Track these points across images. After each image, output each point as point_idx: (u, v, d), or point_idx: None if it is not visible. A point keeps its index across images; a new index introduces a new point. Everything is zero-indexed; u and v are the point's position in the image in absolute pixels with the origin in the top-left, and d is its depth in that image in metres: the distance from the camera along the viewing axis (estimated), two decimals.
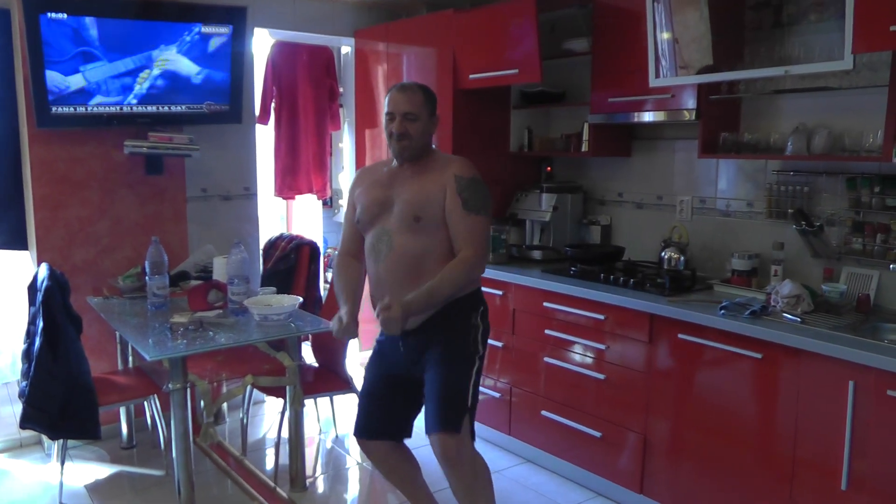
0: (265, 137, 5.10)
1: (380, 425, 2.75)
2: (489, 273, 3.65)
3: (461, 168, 2.59)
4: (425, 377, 2.62)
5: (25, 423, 3.07)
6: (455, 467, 2.53)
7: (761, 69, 2.91)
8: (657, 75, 3.22)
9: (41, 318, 3.04)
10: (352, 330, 2.62)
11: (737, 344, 2.77)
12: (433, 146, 2.72)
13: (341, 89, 5.25)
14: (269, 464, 3.82)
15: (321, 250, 4.69)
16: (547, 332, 3.52)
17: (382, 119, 2.65)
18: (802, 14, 2.77)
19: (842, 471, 2.48)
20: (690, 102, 3.25)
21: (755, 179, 3.38)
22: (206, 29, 3.84)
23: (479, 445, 2.75)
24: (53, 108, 3.56)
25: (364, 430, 2.76)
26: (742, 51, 2.99)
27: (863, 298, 2.89)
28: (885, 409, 2.37)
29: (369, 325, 4.69)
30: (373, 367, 2.79)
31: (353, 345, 3.94)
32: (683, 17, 3.13)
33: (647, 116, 3.48)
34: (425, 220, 2.54)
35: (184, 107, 3.90)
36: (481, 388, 3.62)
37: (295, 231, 5.74)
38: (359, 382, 3.93)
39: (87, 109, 3.65)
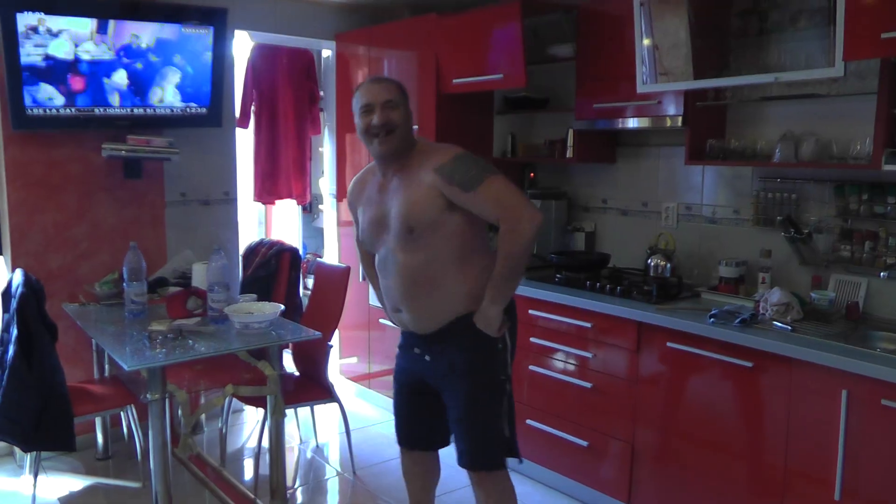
0: (245, 141, 5.03)
1: (420, 435, 2.68)
2: None
3: (439, 157, 2.36)
4: (450, 408, 2.49)
5: None
6: (491, 494, 2.49)
7: (750, 76, 2.90)
8: (644, 81, 3.20)
9: (15, 326, 2.95)
10: None
11: (727, 352, 2.75)
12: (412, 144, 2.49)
13: (322, 93, 5.19)
14: (249, 474, 3.75)
15: (301, 256, 4.63)
16: (532, 339, 3.48)
17: (356, 122, 2.42)
18: (788, 21, 2.76)
19: (835, 481, 2.46)
20: (676, 109, 3.24)
21: (741, 186, 3.37)
22: (186, 30, 3.77)
23: None
24: (29, 110, 3.47)
25: (405, 441, 2.71)
26: (728, 57, 2.98)
27: (852, 306, 2.89)
28: (879, 419, 2.36)
29: (352, 331, 4.66)
30: (399, 373, 2.67)
31: (334, 353, 3.88)
32: (663, 24, 3.12)
33: (633, 123, 3.45)
34: (419, 230, 2.34)
35: (163, 109, 3.82)
36: None
37: (274, 237, 5.66)
38: (340, 390, 3.88)
39: (63, 111, 3.56)
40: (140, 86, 3.73)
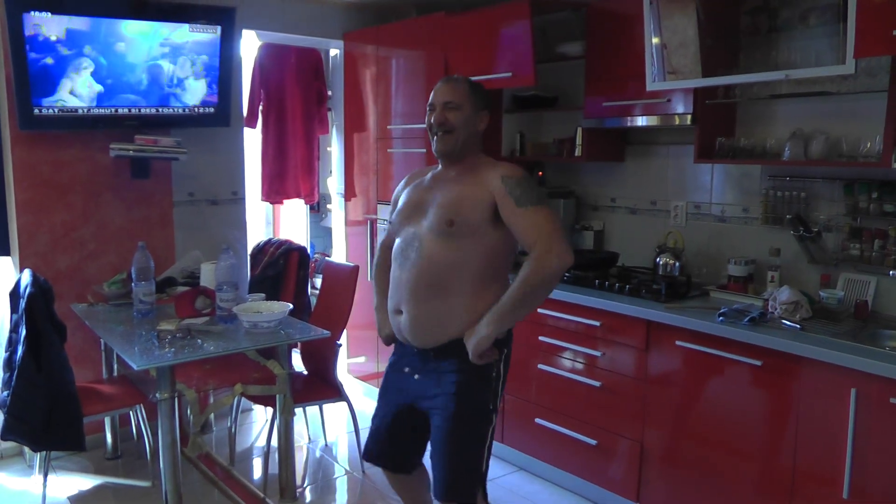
0: (252, 141, 5.04)
1: (392, 458, 2.62)
2: None
3: (508, 170, 2.33)
4: (433, 428, 2.40)
5: (7, 434, 2.99)
6: None
7: (759, 73, 2.88)
8: (653, 79, 3.19)
9: (24, 326, 2.96)
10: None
11: (736, 351, 2.74)
12: (481, 151, 2.49)
13: (330, 92, 5.19)
14: (258, 473, 3.76)
15: (310, 255, 4.63)
16: (541, 338, 3.48)
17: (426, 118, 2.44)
18: (798, 19, 2.75)
19: (843, 479, 2.45)
20: (685, 107, 3.23)
21: (750, 185, 3.35)
22: (194, 30, 3.78)
23: None
24: (37, 110, 3.48)
25: (373, 458, 2.64)
26: (738, 55, 2.96)
27: (861, 305, 2.87)
28: (887, 417, 2.35)
29: (360, 331, 4.66)
30: (384, 392, 2.61)
31: (342, 352, 3.88)
32: (672, 22, 3.11)
33: (641, 121, 3.44)
34: (459, 226, 2.29)
35: (171, 109, 3.83)
36: None
37: (282, 236, 5.67)
38: (349, 389, 3.88)
39: (71, 111, 3.57)
40: (148, 85, 3.73)
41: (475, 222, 2.30)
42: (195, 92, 3.87)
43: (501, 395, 2.44)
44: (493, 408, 2.40)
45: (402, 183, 2.62)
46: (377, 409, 2.63)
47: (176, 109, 3.85)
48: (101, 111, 3.63)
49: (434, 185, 2.45)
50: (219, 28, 3.85)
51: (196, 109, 3.91)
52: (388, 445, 2.59)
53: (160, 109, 3.80)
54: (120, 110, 3.69)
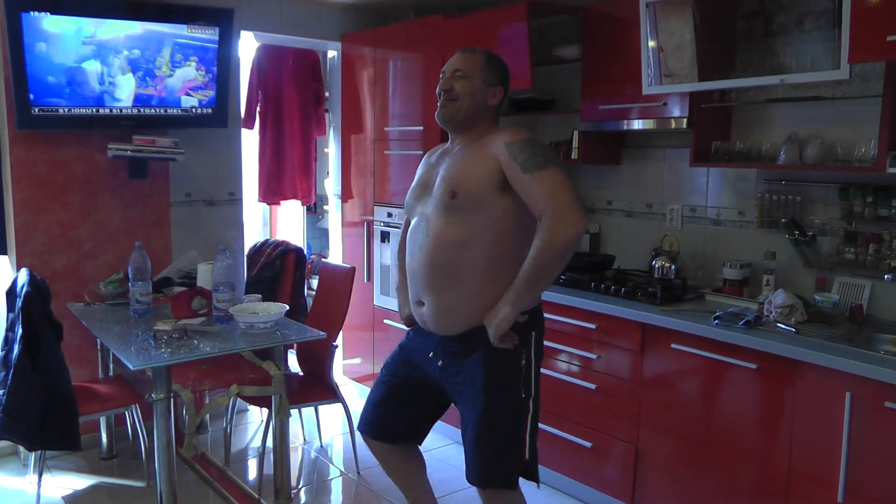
0: (250, 142, 5.04)
1: (391, 428, 2.56)
2: None
3: (510, 135, 2.24)
4: (464, 420, 2.35)
5: (2, 433, 2.98)
6: None
7: (755, 78, 2.90)
8: (650, 83, 3.20)
9: (20, 325, 2.95)
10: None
11: (731, 354, 2.75)
12: (495, 125, 2.42)
13: (327, 94, 5.20)
14: (253, 474, 3.76)
15: (306, 256, 4.64)
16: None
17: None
18: (794, 23, 2.76)
19: (838, 483, 2.46)
20: (681, 111, 3.24)
21: (746, 188, 3.36)
22: (192, 30, 3.78)
23: None
24: (35, 109, 3.48)
25: (370, 428, 2.58)
26: (734, 59, 2.97)
27: (856, 309, 2.88)
28: (882, 421, 2.36)
29: (356, 332, 4.66)
30: (395, 365, 2.56)
31: (338, 353, 3.88)
32: (668, 25, 3.12)
33: (638, 124, 3.45)
34: (462, 198, 2.21)
35: (169, 109, 3.83)
36: None
37: (279, 237, 5.67)
38: (344, 391, 3.88)
39: (69, 111, 3.57)
40: (145, 86, 3.74)
41: (479, 192, 2.22)
42: (192, 93, 3.87)
43: (537, 379, 2.36)
44: (526, 395, 2.31)
45: (423, 162, 2.56)
46: (381, 384, 2.59)
47: (173, 110, 3.85)
48: (99, 111, 3.64)
49: (440, 160, 2.41)
50: (217, 29, 3.85)
51: (194, 110, 3.92)
52: (393, 417, 2.53)
53: (157, 110, 3.80)
54: (117, 111, 3.69)
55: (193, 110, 3.92)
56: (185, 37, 3.77)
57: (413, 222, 2.41)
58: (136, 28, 3.63)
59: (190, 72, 3.84)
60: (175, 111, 3.86)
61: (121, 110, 3.70)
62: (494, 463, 2.30)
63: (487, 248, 2.25)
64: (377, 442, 2.62)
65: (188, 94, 3.87)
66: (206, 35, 3.83)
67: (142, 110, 3.76)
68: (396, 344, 2.66)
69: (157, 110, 3.80)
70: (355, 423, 3.71)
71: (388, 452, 2.64)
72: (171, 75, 3.79)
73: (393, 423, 2.57)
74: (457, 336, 2.34)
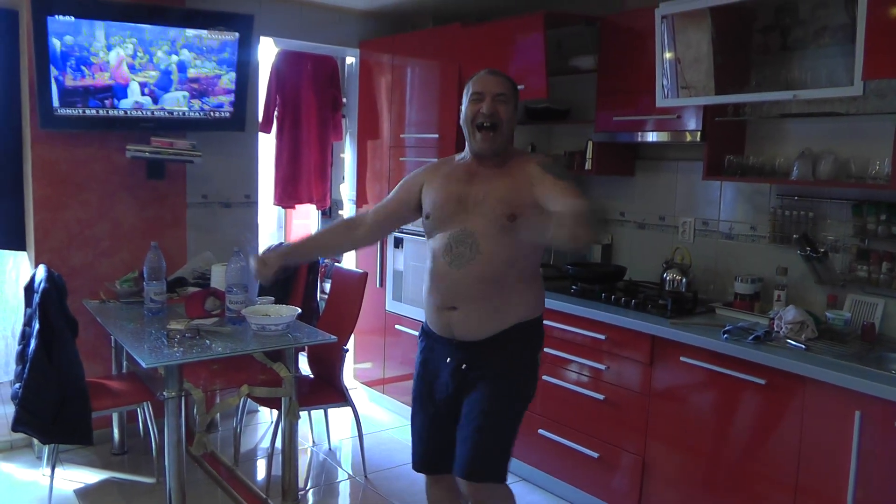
0: (267, 146, 5.08)
1: (442, 458, 2.47)
2: None
3: (541, 159, 2.41)
4: (468, 410, 2.37)
5: (17, 426, 3.03)
6: None
7: (769, 93, 2.90)
8: (665, 95, 3.21)
9: (37, 321, 3.00)
10: (266, 270, 2.52)
11: (740, 369, 2.74)
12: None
13: (345, 100, 5.24)
14: (261, 475, 3.78)
15: (319, 260, 4.66)
16: (546, 350, 3.48)
17: (462, 109, 2.39)
18: (810, 38, 2.75)
19: (846, 501, 2.45)
20: (695, 124, 3.24)
21: (759, 203, 3.36)
22: (212, 36, 3.83)
23: None
24: (57, 110, 3.54)
25: (425, 466, 2.55)
26: (749, 73, 2.98)
27: (867, 327, 2.87)
28: (892, 441, 2.35)
29: (367, 336, 4.68)
30: (421, 398, 2.53)
31: (349, 357, 3.91)
32: (685, 37, 3.12)
33: (652, 136, 3.46)
34: (520, 220, 2.26)
35: (187, 112, 3.88)
36: None
37: (293, 240, 5.70)
38: (354, 395, 3.90)
39: (90, 112, 3.63)
40: (166, 89, 3.79)
41: (530, 214, 2.26)
42: (211, 97, 3.92)
43: (536, 381, 2.49)
44: (529, 394, 2.44)
45: (422, 173, 2.55)
46: (418, 416, 2.56)
47: (192, 113, 3.90)
48: (119, 113, 3.69)
49: (473, 178, 2.38)
50: (237, 34, 3.90)
51: (212, 114, 3.96)
52: (441, 449, 2.48)
53: (177, 112, 3.85)
54: (136, 112, 3.74)
55: (212, 114, 3.96)
56: (205, 42, 3.82)
57: (448, 236, 2.35)
58: (157, 32, 3.68)
59: (209, 76, 3.88)
60: (194, 114, 3.91)
61: (140, 112, 3.75)
62: (492, 454, 2.35)
63: (528, 261, 2.39)
64: (435, 476, 2.58)
65: (207, 98, 3.91)
66: (226, 40, 3.88)
67: (161, 113, 3.81)
68: (407, 349, 2.67)
69: (176, 113, 3.85)
70: (364, 427, 3.77)
71: (445, 486, 2.57)
72: (191, 79, 3.84)
73: (444, 452, 2.47)
74: (483, 340, 2.37)
